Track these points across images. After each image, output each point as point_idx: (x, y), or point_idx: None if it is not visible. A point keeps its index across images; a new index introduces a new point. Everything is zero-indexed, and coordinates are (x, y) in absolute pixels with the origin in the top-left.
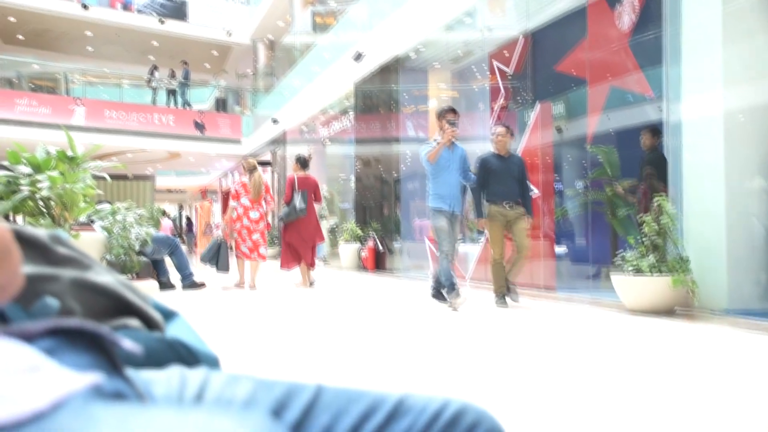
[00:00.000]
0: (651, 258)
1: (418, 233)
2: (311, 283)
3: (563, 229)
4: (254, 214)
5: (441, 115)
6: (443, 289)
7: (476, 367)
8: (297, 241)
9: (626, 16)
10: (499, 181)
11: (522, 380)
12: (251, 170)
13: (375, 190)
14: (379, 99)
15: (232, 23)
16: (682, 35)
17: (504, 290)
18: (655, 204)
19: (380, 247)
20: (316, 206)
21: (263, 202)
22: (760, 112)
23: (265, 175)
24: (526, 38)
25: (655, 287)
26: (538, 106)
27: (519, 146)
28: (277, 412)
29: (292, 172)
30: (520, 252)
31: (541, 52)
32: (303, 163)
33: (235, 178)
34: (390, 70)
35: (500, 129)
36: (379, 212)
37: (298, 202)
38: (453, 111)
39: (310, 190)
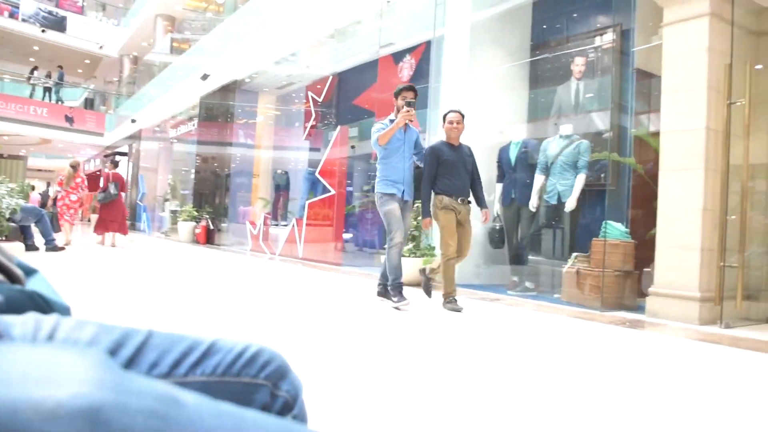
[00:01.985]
0: (410, 245)
1: (241, 217)
2: (113, 245)
3: (351, 221)
4: (74, 197)
5: (398, 93)
6: (398, 286)
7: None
8: (109, 216)
9: (406, 70)
10: (451, 174)
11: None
12: (74, 167)
13: (210, 182)
14: (218, 111)
15: (104, 39)
16: (440, 89)
17: (455, 292)
18: (415, 206)
19: (211, 226)
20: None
21: (80, 190)
22: (489, 149)
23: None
24: (334, 77)
25: (411, 265)
26: (339, 129)
27: (323, 157)
28: (114, 350)
29: (107, 170)
30: (460, 254)
31: (345, 88)
32: (115, 164)
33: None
34: (229, 89)
35: (454, 115)
36: (213, 199)
37: (112, 189)
38: (412, 89)
39: (119, 182)
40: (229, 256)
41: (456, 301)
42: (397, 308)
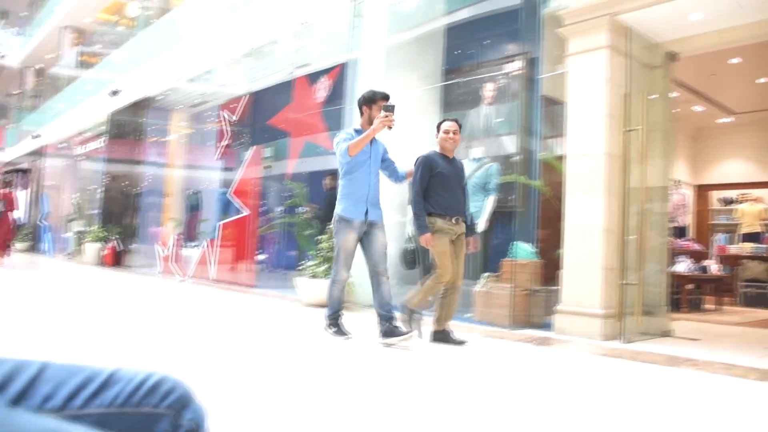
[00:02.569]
0: (324, 267)
1: (151, 238)
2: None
3: (264, 242)
4: None
5: (370, 100)
6: (334, 318)
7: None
8: None
9: (321, 92)
10: (445, 189)
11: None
12: None
13: (119, 201)
14: (129, 128)
15: (5, 48)
16: (353, 110)
17: (422, 308)
18: (329, 228)
19: (120, 247)
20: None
21: None
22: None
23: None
24: (249, 96)
25: (325, 288)
26: (253, 149)
27: (237, 177)
28: (4, 384)
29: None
30: (455, 283)
31: (260, 108)
32: (6, 183)
33: None
34: (141, 106)
35: (450, 124)
36: (121, 219)
37: None
38: (387, 98)
39: (8, 201)
40: (138, 278)
41: (414, 315)
42: (346, 336)
